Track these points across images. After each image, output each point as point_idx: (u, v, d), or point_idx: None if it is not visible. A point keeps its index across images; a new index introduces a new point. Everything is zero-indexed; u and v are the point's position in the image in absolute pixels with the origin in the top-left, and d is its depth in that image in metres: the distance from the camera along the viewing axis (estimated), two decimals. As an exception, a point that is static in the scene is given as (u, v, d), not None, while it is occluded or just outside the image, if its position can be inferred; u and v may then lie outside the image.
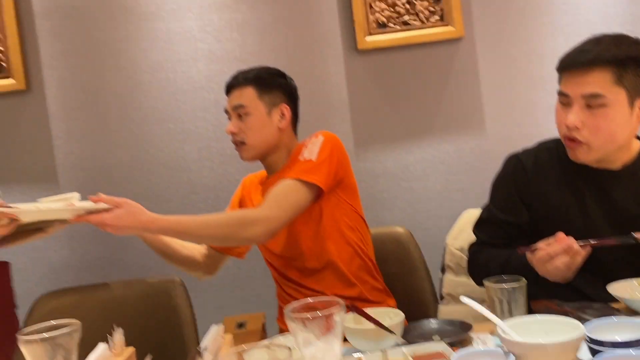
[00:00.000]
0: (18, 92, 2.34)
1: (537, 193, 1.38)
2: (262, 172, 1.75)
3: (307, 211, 1.47)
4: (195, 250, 1.65)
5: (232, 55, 2.40)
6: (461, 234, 1.74)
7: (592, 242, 1.20)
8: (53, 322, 0.83)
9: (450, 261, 1.73)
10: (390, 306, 1.50)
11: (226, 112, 1.65)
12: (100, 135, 2.39)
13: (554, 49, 2.27)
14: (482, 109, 2.47)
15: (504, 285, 1.12)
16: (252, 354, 0.77)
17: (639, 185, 1.32)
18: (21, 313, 1.74)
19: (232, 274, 2.44)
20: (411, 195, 2.44)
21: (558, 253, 1.16)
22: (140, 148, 2.40)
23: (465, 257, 1.53)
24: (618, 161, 1.32)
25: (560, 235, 1.20)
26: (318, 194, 1.48)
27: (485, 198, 1.54)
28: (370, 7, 2.37)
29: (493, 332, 1.14)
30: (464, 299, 1.07)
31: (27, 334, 0.81)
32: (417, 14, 2.39)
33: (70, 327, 0.81)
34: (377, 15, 2.37)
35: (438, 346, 1.08)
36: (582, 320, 0.98)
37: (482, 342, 1.15)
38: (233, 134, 1.59)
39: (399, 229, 1.79)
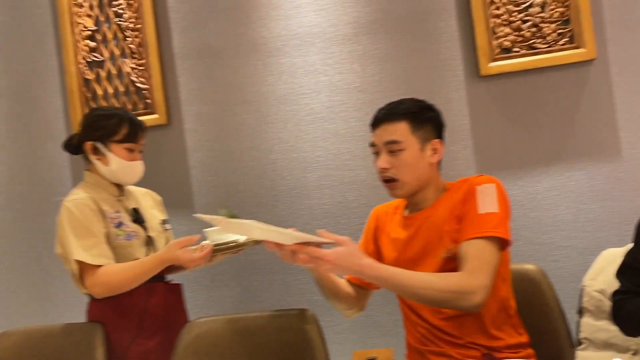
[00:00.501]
0: (161, 127, 2.58)
1: None
2: (393, 203, 1.67)
3: None
4: (349, 287, 1.63)
5: (352, 86, 2.46)
6: (600, 275, 1.61)
7: None
8: None
9: (588, 303, 1.59)
10: (528, 357, 1.41)
11: (372, 145, 1.57)
12: (230, 165, 2.56)
13: None
14: (617, 133, 2.30)
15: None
16: None
17: None
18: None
19: (352, 300, 2.47)
20: (539, 226, 2.32)
21: None
22: (266, 176, 2.53)
23: (605, 300, 1.42)
24: None
25: None
26: (504, 247, 1.43)
27: (620, 228, 1.43)
28: (494, 32, 2.32)
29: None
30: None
31: None
32: (544, 37, 2.29)
33: None
34: (501, 40, 2.32)
35: None
36: None
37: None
38: (384, 169, 1.51)
39: (531, 267, 1.66)
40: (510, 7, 2.30)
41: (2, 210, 2.75)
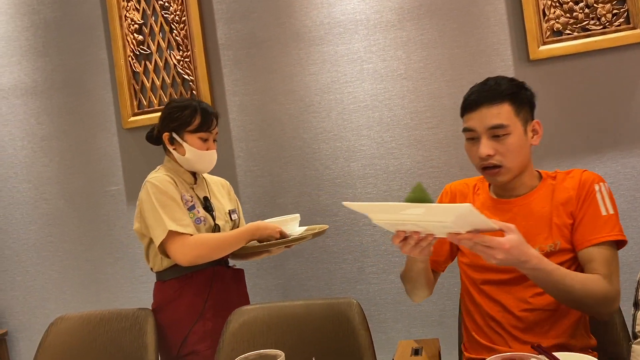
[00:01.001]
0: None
1: None
2: (469, 182, 1.56)
3: None
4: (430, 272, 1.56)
5: (396, 74, 2.43)
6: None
7: None
8: (262, 352, 0.93)
9: (646, 296, 1.53)
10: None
11: (469, 130, 1.41)
12: (274, 154, 2.58)
13: None
14: (679, 117, 2.19)
15: None
16: None
17: None
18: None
19: (397, 289, 2.46)
20: (592, 214, 2.24)
21: None
22: (310, 166, 2.54)
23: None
24: None
25: None
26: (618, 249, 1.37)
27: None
28: (544, 14, 2.24)
29: None
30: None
31: None
32: (598, 18, 2.19)
33: (278, 359, 0.91)
34: (552, 22, 2.23)
35: None
36: None
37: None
38: (488, 157, 1.37)
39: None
40: (562, -13, 2.22)
41: (56, 199, 2.86)
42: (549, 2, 2.23)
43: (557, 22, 2.23)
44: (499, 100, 1.37)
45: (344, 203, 1.00)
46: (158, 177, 1.82)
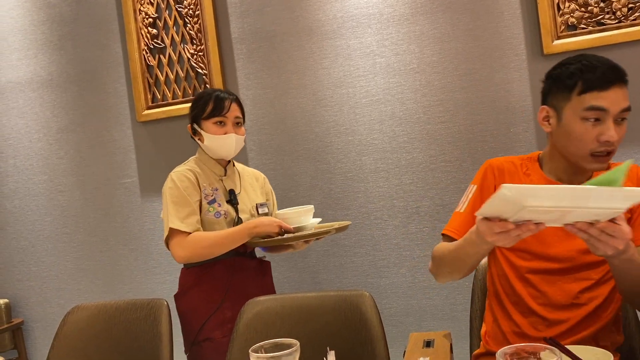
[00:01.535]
0: (219, 110, 2.63)
1: None
2: (514, 160, 1.42)
3: None
4: None
5: (409, 68, 2.43)
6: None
7: None
8: (276, 340, 0.95)
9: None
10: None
11: (597, 109, 1.23)
12: (287, 148, 2.59)
13: None
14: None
15: None
16: None
17: None
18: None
19: (408, 282, 2.47)
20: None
21: None
22: (322, 159, 2.55)
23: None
24: None
25: None
26: None
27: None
28: (559, 8, 2.22)
29: None
30: None
31: (257, 351, 0.93)
32: (613, 12, 2.18)
33: (292, 348, 0.92)
34: (566, 16, 2.22)
35: None
36: None
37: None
38: (608, 142, 1.24)
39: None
40: (577, -19, 2.20)
41: (72, 191, 2.90)
42: (564, -4, 2.22)
43: (572, 16, 2.21)
44: (626, 82, 1.26)
45: (504, 185, 0.87)
46: (179, 171, 1.85)
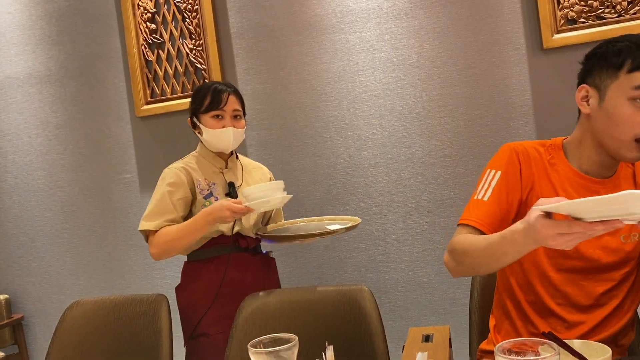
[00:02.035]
0: (218, 105, 2.63)
1: None
2: (535, 145, 1.32)
3: None
4: None
5: (408, 62, 2.42)
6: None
7: None
8: (275, 335, 0.95)
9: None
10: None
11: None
12: (286, 143, 2.59)
13: None
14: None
15: None
16: None
17: None
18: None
19: (407, 277, 2.47)
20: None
21: None
22: (321, 154, 2.54)
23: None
24: None
25: None
26: None
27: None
28: (558, 2, 2.22)
29: None
30: None
31: (255, 346, 0.93)
32: (613, 6, 2.17)
33: (291, 343, 0.92)
34: (566, 10, 2.21)
35: None
36: None
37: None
38: None
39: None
40: (577, -25, 2.19)
41: (71, 187, 2.90)
42: (564, -10, 2.21)
43: (572, 10, 2.21)
44: None
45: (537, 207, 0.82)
46: (171, 167, 1.86)
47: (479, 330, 1.54)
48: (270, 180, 2.05)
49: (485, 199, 1.25)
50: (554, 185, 1.24)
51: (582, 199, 0.82)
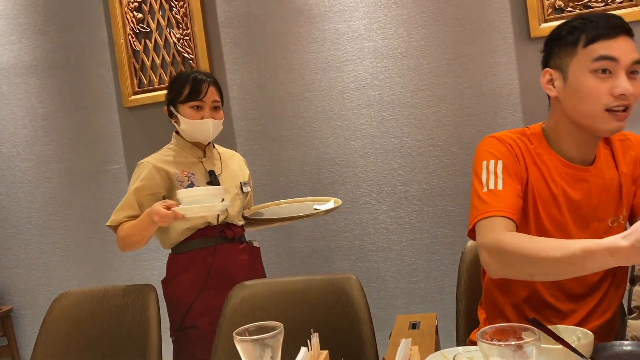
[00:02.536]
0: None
1: None
2: (514, 136, 1.28)
3: None
4: None
5: (397, 52, 2.42)
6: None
7: None
8: (261, 323, 0.95)
9: (642, 272, 1.54)
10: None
11: (606, 59, 1.14)
12: (275, 133, 2.58)
13: None
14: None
15: None
16: None
17: None
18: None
19: (396, 266, 2.49)
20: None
21: None
22: (310, 144, 2.54)
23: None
24: None
25: None
26: None
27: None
28: (546, -9, 2.22)
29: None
30: None
31: (241, 334, 0.94)
32: (600, -5, 2.18)
33: (276, 330, 0.93)
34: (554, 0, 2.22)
35: None
36: None
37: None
38: (623, 96, 1.15)
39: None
40: (564, -36, 2.20)
41: (59, 178, 2.88)
42: (551, -21, 2.21)
43: (559, -1, 2.21)
44: (632, 34, 1.17)
45: None
46: (145, 161, 1.84)
47: (466, 317, 1.56)
48: (244, 166, 2.04)
49: (500, 188, 1.19)
50: (543, 175, 1.24)
51: None
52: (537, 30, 2.23)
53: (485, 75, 2.33)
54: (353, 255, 2.53)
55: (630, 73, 1.15)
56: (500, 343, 0.77)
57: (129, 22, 2.69)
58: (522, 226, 1.22)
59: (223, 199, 1.70)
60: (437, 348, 1.16)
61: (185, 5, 2.61)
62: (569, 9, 2.21)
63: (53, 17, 2.82)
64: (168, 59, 2.66)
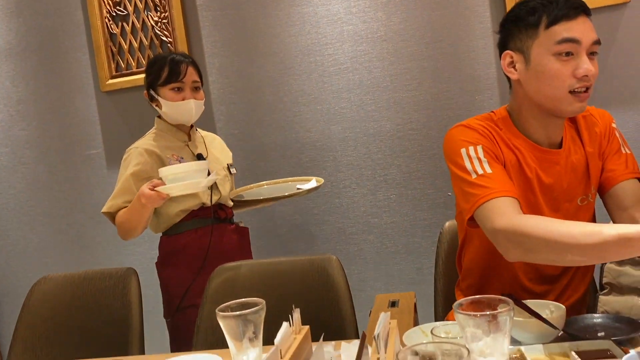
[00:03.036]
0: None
1: None
2: (483, 122, 1.26)
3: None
4: None
5: (377, 35, 2.43)
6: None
7: None
8: (243, 300, 0.97)
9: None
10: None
11: (569, 41, 1.14)
12: (255, 117, 2.58)
13: None
14: (651, 80, 2.24)
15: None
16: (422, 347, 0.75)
17: None
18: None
19: (376, 248, 2.52)
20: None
21: None
22: (290, 129, 2.55)
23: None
24: None
25: None
26: None
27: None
28: (523, -24, 2.24)
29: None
30: None
31: (224, 310, 0.95)
32: (575, -20, 2.21)
33: (258, 306, 0.95)
34: (530, -16, 2.24)
35: (605, 344, 0.97)
36: None
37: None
38: (589, 77, 1.16)
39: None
40: (541, -51, 2.22)
41: (36, 163, 2.84)
42: (528, -36, 2.24)
43: (536, -16, 2.24)
44: (589, 14, 1.18)
45: None
46: (133, 148, 1.83)
47: (444, 297, 1.60)
48: (223, 147, 2.05)
49: (489, 171, 1.17)
50: (519, 160, 1.24)
51: None
52: (514, 15, 2.26)
53: (463, 59, 2.36)
54: (334, 239, 2.55)
55: (590, 54, 1.16)
56: (476, 314, 0.79)
57: (105, 5, 2.65)
58: None
59: (209, 173, 1.70)
60: (416, 324, 1.19)
61: (162, -12, 2.58)
62: (545, -7, 2.24)
63: (27, 1, 2.76)
64: (146, 43, 2.63)
